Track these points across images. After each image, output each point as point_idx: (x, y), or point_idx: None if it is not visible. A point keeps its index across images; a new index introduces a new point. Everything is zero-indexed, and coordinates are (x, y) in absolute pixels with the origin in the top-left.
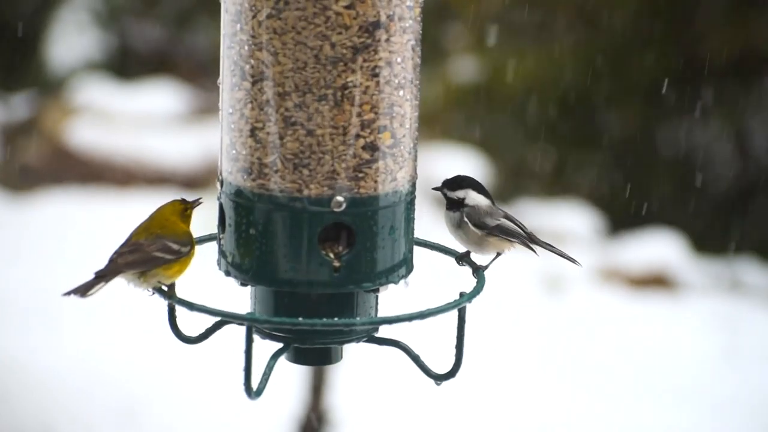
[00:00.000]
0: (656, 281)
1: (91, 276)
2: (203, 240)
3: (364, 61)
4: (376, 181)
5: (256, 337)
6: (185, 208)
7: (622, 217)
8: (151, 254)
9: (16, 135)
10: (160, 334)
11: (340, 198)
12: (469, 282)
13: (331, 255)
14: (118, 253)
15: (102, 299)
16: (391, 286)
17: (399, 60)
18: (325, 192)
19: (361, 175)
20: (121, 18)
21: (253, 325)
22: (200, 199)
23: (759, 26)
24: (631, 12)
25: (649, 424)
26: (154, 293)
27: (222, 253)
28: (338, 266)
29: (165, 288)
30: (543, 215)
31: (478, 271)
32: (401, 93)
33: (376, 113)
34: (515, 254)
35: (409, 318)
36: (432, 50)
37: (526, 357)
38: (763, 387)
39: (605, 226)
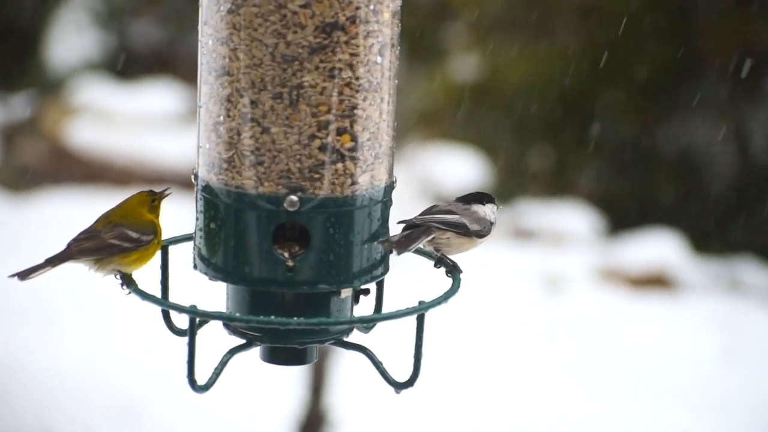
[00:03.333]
0: (656, 281)
1: (41, 261)
2: (181, 240)
3: (321, 61)
4: (333, 183)
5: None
6: (152, 200)
7: (622, 217)
8: (106, 242)
9: (16, 135)
10: (159, 334)
11: (294, 197)
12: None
13: (286, 254)
14: (75, 240)
15: (102, 299)
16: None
17: (362, 63)
18: (280, 190)
19: (316, 176)
20: (121, 18)
21: (195, 316)
22: (168, 189)
23: (759, 26)
24: (631, 12)
25: (649, 424)
26: (123, 286)
27: (193, 247)
28: (292, 266)
29: (119, 277)
30: (543, 215)
31: (454, 273)
32: (364, 96)
33: (333, 115)
34: (515, 255)
35: (350, 322)
36: (432, 50)
37: (526, 357)
38: (763, 387)
39: (605, 226)
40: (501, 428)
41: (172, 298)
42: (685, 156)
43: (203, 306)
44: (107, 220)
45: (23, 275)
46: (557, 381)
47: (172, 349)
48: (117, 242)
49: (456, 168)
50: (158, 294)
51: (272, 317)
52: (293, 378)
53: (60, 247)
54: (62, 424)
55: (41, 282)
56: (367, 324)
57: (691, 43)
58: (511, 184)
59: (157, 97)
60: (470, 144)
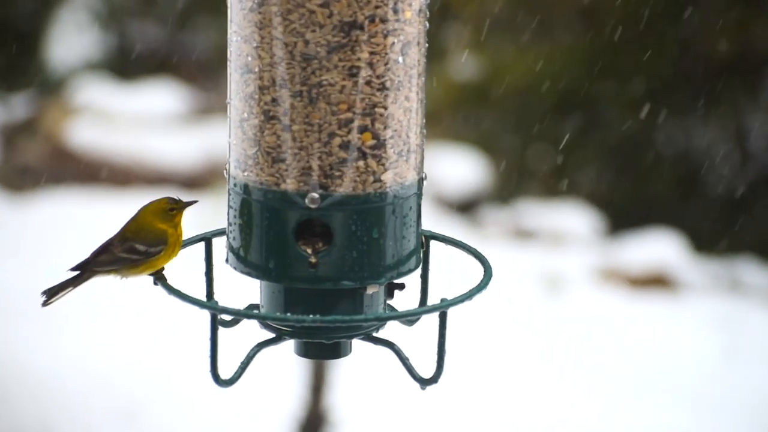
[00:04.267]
0: (656, 281)
1: (67, 275)
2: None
3: (340, 60)
4: (355, 181)
5: (252, 327)
6: (170, 208)
7: (622, 217)
8: (117, 255)
9: (16, 135)
10: (160, 333)
11: (315, 195)
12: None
13: (309, 251)
14: (95, 252)
15: (102, 300)
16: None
17: (382, 61)
18: (301, 188)
19: (337, 173)
20: (121, 18)
21: (216, 312)
22: (195, 201)
23: (759, 26)
24: (631, 11)
25: (649, 424)
26: (156, 284)
27: (226, 241)
28: (315, 262)
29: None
30: (543, 215)
31: (486, 272)
32: (386, 94)
33: (354, 113)
34: (515, 255)
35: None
36: (432, 50)
37: (526, 357)
38: (763, 387)
39: (605, 226)
40: (501, 428)
41: (221, 291)
42: (685, 156)
43: (247, 300)
44: (123, 232)
45: (47, 299)
46: (557, 381)
47: (172, 349)
48: (126, 255)
49: (456, 168)
50: (203, 286)
51: (288, 315)
52: (293, 378)
53: (63, 249)
54: (62, 425)
55: (41, 282)
56: (411, 319)
57: (692, 43)
58: (511, 184)
59: (157, 97)
60: (470, 144)
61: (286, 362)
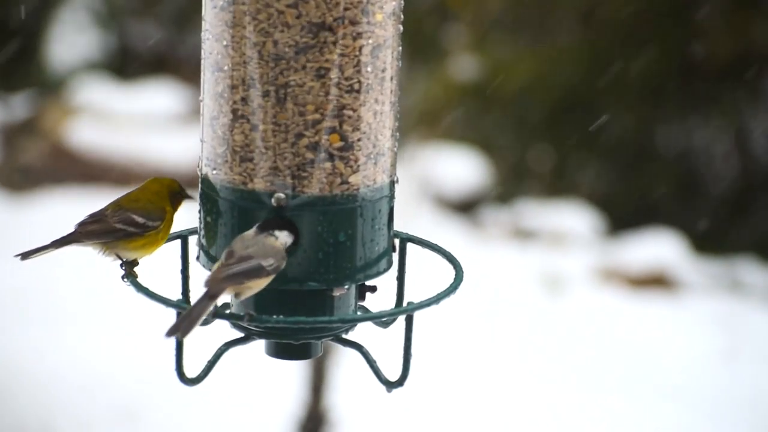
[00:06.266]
0: (656, 281)
1: (47, 243)
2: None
3: (308, 61)
4: (322, 182)
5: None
6: (179, 192)
7: (622, 217)
8: (111, 226)
9: (16, 135)
10: (160, 333)
11: (281, 195)
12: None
13: None
14: (82, 223)
15: (103, 299)
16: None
17: (351, 64)
18: (268, 187)
19: (304, 174)
20: (121, 18)
21: (182, 311)
22: (192, 198)
23: (759, 26)
24: (631, 12)
25: (649, 424)
26: (124, 278)
27: (197, 239)
28: None
29: (123, 264)
30: (543, 215)
31: (458, 273)
32: (355, 96)
33: (321, 114)
34: (515, 255)
35: (341, 320)
36: (432, 50)
37: (526, 357)
38: (763, 387)
39: (605, 226)
40: (500, 428)
41: (194, 290)
42: (685, 156)
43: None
44: (117, 204)
45: (25, 256)
46: (557, 381)
47: (172, 349)
48: (122, 227)
49: (456, 168)
50: (179, 285)
51: (252, 314)
52: (293, 377)
53: (63, 248)
54: (62, 424)
55: (42, 282)
56: (386, 321)
57: (692, 43)
58: (511, 184)
59: (157, 97)
60: (470, 144)
61: (286, 362)
